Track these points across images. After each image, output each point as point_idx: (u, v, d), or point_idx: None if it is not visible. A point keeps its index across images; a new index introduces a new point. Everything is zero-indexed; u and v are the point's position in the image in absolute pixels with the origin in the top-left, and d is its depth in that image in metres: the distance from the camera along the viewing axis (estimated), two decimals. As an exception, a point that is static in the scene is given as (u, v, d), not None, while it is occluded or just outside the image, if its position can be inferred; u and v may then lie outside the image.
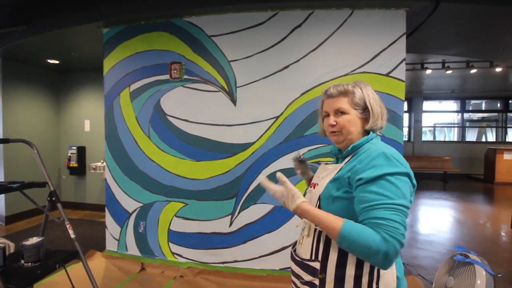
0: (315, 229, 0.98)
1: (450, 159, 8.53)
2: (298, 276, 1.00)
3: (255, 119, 2.72)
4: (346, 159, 1.00)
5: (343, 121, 0.99)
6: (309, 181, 1.25)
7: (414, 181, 0.90)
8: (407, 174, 0.87)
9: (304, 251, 0.99)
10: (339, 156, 1.08)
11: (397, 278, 0.91)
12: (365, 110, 1.00)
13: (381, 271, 0.89)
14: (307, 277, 0.96)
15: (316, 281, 0.93)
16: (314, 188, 1.04)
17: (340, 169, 0.97)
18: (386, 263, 0.79)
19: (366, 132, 1.02)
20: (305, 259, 0.98)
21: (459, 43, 3.81)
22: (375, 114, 1.00)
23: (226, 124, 2.78)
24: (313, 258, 0.95)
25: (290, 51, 2.65)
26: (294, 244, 1.12)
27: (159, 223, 2.95)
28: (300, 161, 1.32)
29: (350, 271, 0.89)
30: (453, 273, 1.93)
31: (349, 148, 1.00)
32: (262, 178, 0.99)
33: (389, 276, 0.90)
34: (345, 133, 0.99)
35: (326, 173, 1.03)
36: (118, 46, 3.04)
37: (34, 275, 1.54)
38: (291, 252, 1.07)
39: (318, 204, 0.98)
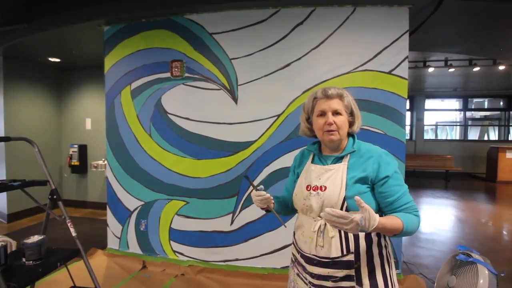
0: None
1: (452, 157, 8.48)
2: (327, 278, 1.05)
3: (257, 117, 2.71)
4: (345, 159, 1.09)
5: (340, 122, 1.08)
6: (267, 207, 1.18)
7: None
8: None
9: (334, 251, 1.05)
10: (325, 155, 1.14)
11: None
12: (350, 114, 1.11)
13: (387, 241, 1.12)
14: (341, 273, 1.04)
15: (352, 272, 1.04)
16: (322, 190, 1.07)
17: (349, 168, 1.07)
18: (417, 230, 1.03)
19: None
20: (336, 257, 1.05)
21: (462, 41, 3.78)
22: (358, 119, 1.13)
23: (227, 122, 2.77)
24: (345, 253, 1.04)
25: (291, 49, 2.63)
26: (299, 253, 1.14)
27: (161, 221, 2.95)
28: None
29: (375, 250, 1.06)
30: (455, 272, 1.92)
31: (348, 151, 1.09)
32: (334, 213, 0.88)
33: (388, 242, 1.13)
34: (341, 133, 1.09)
35: (330, 174, 1.08)
36: (119, 44, 3.03)
37: (35, 273, 1.53)
38: (308, 259, 1.10)
39: (345, 203, 1.02)
